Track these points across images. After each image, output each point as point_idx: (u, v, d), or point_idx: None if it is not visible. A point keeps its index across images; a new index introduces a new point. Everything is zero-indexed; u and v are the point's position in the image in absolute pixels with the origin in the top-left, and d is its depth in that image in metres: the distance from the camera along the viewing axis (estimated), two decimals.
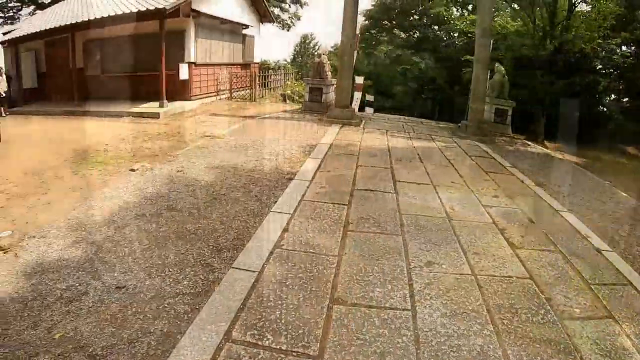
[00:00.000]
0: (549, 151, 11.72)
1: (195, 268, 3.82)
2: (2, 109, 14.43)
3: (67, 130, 10.73)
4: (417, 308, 3.16)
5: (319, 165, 6.96)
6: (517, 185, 6.86)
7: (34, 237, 4.49)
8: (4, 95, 14.60)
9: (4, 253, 4.15)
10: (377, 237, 4.34)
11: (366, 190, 5.86)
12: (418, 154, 8.33)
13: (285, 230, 4.48)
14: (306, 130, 10.15)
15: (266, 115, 12.49)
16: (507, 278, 3.66)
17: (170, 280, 3.62)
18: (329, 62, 13.82)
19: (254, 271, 3.62)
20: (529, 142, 12.05)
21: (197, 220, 4.86)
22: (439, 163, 7.75)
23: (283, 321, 2.94)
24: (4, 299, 3.38)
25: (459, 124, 12.44)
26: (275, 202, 5.35)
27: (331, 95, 13.71)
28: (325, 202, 5.29)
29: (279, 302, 3.16)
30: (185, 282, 3.58)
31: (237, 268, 3.69)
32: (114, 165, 7.16)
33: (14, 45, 17.00)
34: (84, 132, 10.25)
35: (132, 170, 6.72)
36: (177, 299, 3.34)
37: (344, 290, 3.33)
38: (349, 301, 3.20)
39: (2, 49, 18.54)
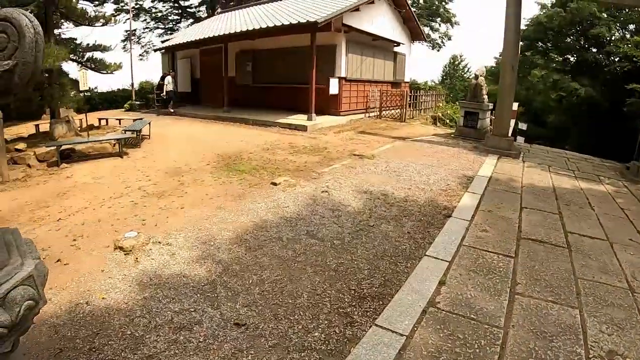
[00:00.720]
0: None
1: (331, 316, 3.22)
2: (157, 107, 16.48)
3: (213, 135, 11.43)
4: None
5: (479, 203, 6.24)
6: None
7: (159, 242, 4.41)
8: (172, 93, 16.95)
9: (125, 255, 4.09)
10: (550, 308, 3.52)
11: (534, 240, 4.97)
12: (587, 198, 7.27)
13: (442, 282, 3.76)
14: (461, 159, 9.38)
15: (417, 138, 11.96)
16: None
17: (299, 327, 3.08)
18: (485, 84, 12.74)
19: (401, 334, 2.98)
20: None
21: (339, 254, 4.34)
22: (612, 212, 6.60)
23: None
24: (110, 308, 3.21)
25: (628, 165, 10.60)
26: (431, 243, 4.65)
27: (487, 121, 12.84)
28: (488, 251, 4.51)
29: None
30: (316, 334, 3.01)
31: (381, 327, 3.07)
32: (255, 176, 7.15)
33: (171, 53, 19.53)
34: (230, 138, 10.79)
35: (274, 184, 6.55)
36: (303, 354, 2.80)
37: None
38: None
39: (161, 56, 21.44)
